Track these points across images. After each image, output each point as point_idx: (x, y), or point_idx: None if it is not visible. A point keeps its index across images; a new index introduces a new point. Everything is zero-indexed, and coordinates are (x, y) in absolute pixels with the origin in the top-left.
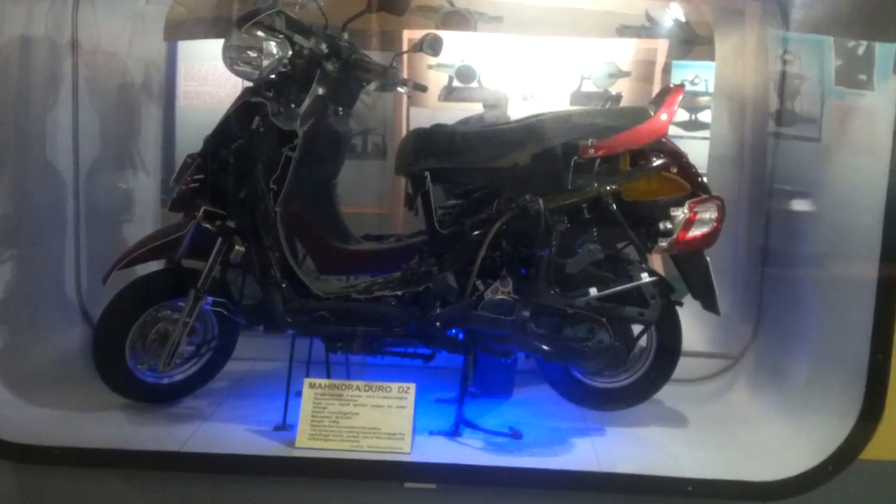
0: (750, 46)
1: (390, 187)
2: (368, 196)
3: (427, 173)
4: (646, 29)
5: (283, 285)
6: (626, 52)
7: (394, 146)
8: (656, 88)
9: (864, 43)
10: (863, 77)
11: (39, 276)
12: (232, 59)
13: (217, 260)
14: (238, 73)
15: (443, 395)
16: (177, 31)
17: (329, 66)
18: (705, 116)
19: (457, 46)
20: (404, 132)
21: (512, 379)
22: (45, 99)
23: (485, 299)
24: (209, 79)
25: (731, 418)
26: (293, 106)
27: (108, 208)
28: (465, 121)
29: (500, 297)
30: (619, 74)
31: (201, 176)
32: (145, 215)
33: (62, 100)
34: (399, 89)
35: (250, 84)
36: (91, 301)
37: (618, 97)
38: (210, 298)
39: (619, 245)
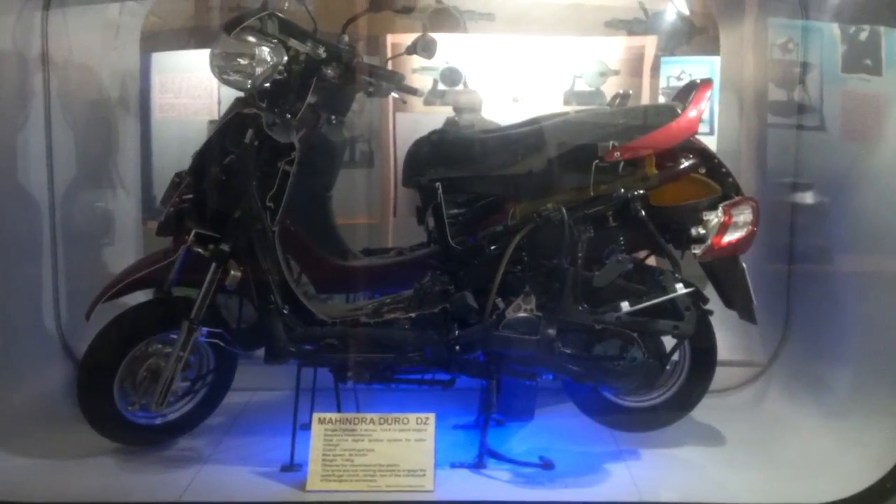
0: (756, 37)
1: (379, 197)
2: (358, 206)
3: (439, 184)
4: (640, 22)
5: (285, 311)
6: (616, 49)
7: (381, 153)
8: (645, 85)
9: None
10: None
11: (14, 308)
12: (220, 68)
13: (211, 287)
14: (228, 83)
15: (460, 421)
16: (152, 42)
17: (329, 72)
18: None
19: (441, 47)
20: (391, 138)
21: (534, 400)
22: (15, 116)
23: (506, 318)
24: (184, 90)
25: (769, 433)
26: (289, 116)
27: (87, 231)
28: (451, 124)
29: (523, 314)
30: (610, 73)
31: (191, 196)
32: (126, 236)
33: (33, 116)
34: (393, 94)
35: (240, 94)
36: (72, 334)
37: (626, 95)
38: (205, 329)
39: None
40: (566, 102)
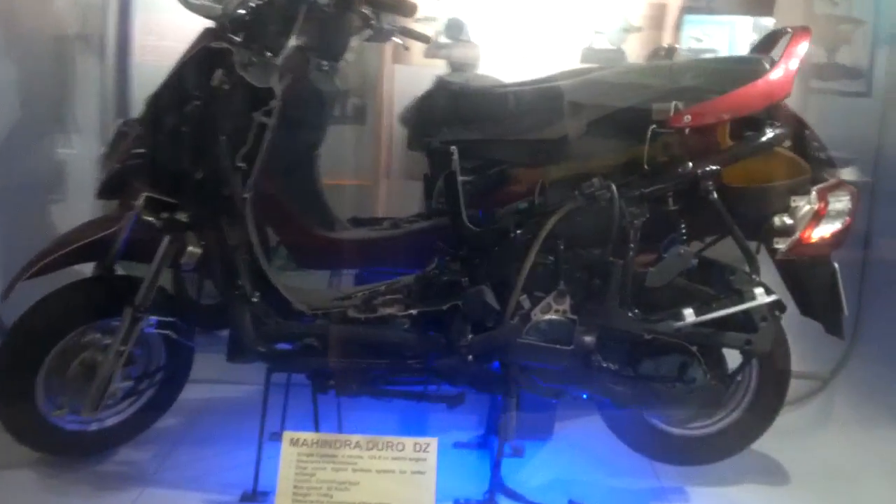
0: None
1: (371, 156)
2: (345, 166)
3: (454, 148)
4: None
5: (255, 300)
6: (637, 3)
7: (375, 108)
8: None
9: None
10: None
11: None
12: None
13: (162, 266)
14: (194, 9)
15: (461, 435)
16: None
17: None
18: None
19: None
20: (386, 93)
21: (552, 415)
22: None
23: (532, 320)
24: (170, 33)
25: (840, 463)
26: (269, 55)
27: (31, 184)
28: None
29: (554, 317)
30: (633, 29)
31: (142, 150)
32: (80, 193)
33: None
34: (395, 40)
35: (211, 24)
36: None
37: (671, 49)
38: (154, 318)
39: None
40: (584, 60)
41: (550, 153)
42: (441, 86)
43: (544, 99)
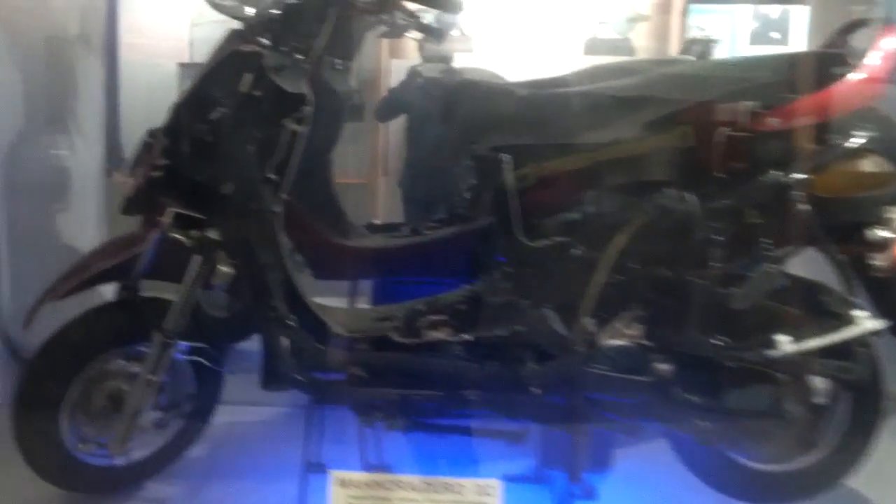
0: None
1: (368, 152)
2: (342, 164)
3: (507, 157)
4: None
5: (291, 323)
6: None
7: (373, 104)
8: (673, 34)
9: None
10: None
11: None
12: None
13: (194, 289)
14: (222, 10)
15: (509, 468)
16: None
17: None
18: None
19: None
20: (383, 89)
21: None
22: None
23: (599, 348)
24: (152, 31)
25: None
26: (300, 56)
27: (35, 190)
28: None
29: (625, 343)
30: (639, 18)
31: (167, 163)
32: (85, 198)
33: None
34: (408, 35)
35: (238, 26)
36: (16, 324)
37: (709, 41)
38: (184, 343)
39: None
40: (588, 52)
41: (606, 161)
42: (475, 84)
43: (601, 99)
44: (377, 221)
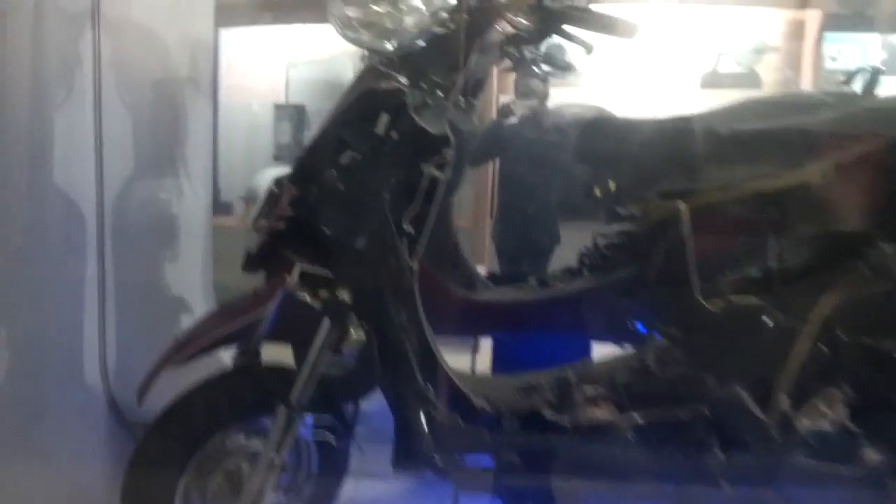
0: None
1: (473, 195)
2: None
3: (683, 206)
4: None
5: (431, 396)
6: (772, 22)
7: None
8: (806, 66)
9: None
10: None
11: (45, 347)
12: (343, 21)
13: (322, 356)
14: (358, 44)
15: None
16: (226, 15)
17: (522, 22)
18: None
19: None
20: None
21: None
22: (55, 86)
23: (797, 430)
24: (251, 71)
25: None
26: (440, 94)
27: (142, 238)
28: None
29: (826, 427)
30: (767, 49)
31: (293, 215)
32: (191, 246)
33: (78, 91)
34: (536, 69)
35: (374, 62)
36: (121, 385)
37: (877, 71)
38: (309, 417)
39: None
40: (706, 86)
41: (788, 207)
42: (665, 125)
43: (792, 135)
44: (494, 271)
